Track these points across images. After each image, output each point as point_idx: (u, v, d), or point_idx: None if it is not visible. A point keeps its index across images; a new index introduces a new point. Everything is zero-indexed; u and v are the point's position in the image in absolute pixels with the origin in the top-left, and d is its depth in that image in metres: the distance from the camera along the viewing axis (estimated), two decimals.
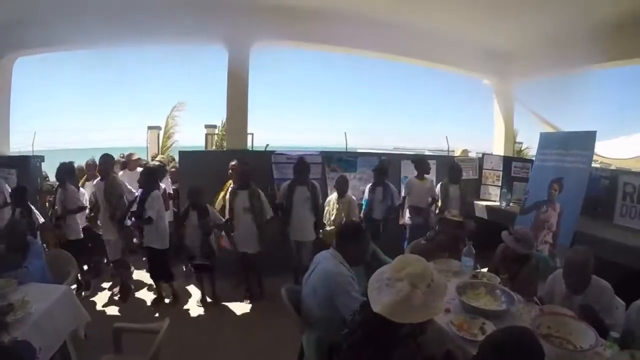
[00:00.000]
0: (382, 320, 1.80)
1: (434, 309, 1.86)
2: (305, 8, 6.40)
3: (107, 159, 5.56)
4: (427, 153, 9.27)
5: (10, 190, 5.98)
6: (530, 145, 11.08)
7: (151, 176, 5.43)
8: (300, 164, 5.59)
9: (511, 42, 7.41)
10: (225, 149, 8.83)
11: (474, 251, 3.46)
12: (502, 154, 8.24)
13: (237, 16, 6.34)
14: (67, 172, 5.73)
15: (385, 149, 10.27)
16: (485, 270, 3.64)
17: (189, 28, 6.39)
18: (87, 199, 5.88)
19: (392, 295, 1.82)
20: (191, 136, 12.42)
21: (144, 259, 6.16)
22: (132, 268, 6.17)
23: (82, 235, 5.73)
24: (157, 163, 6.50)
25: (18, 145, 7.98)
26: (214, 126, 10.70)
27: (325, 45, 7.37)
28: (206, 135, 10.69)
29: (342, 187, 5.80)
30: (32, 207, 5.61)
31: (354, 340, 2.01)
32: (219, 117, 10.61)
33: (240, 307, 5.33)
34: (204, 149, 9.97)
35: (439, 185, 6.34)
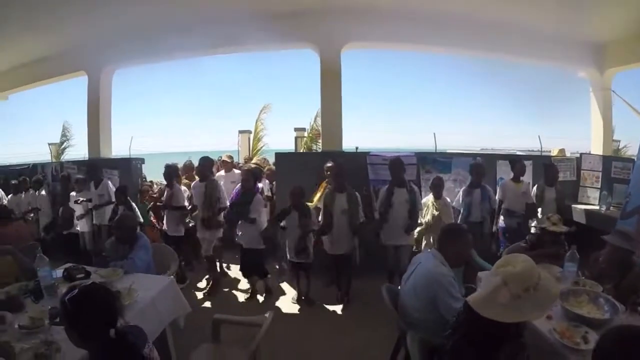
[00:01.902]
0: (481, 319, 1.82)
1: (525, 315, 1.84)
2: (394, 8, 6.50)
3: (205, 161, 5.88)
4: (518, 153, 8.91)
5: (114, 190, 6.62)
6: (628, 144, 10.37)
7: (254, 177, 5.69)
8: (396, 164, 5.48)
9: (606, 30, 7.03)
10: (315, 151, 9.11)
11: (578, 256, 3.34)
12: (600, 153, 7.76)
13: (329, 19, 6.55)
14: (174, 172, 6.16)
15: (473, 149, 9.96)
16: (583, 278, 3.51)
17: (281, 33, 6.65)
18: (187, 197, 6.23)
19: (483, 288, 1.87)
20: (280, 139, 12.81)
21: (236, 256, 6.46)
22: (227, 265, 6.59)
23: (182, 233, 6.14)
24: (254, 165, 6.84)
25: (116, 149, 8.77)
26: (303, 129, 10.98)
27: (412, 45, 7.42)
28: (296, 138, 11.03)
29: (438, 189, 5.76)
30: (133, 204, 6.16)
31: (455, 340, 2.03)
32: (306, 120, 10.93)
33: (333, 307, 5.42)
34: (293, 151, 10.29)
35: (534, 188, 6.10)
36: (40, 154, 10.81)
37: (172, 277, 3.90)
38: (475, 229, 5.65)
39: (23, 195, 7.82)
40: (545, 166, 6.27)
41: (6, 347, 2.01)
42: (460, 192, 6.05)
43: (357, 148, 7.32)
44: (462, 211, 5.92)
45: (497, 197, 6.07)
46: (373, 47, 7.69)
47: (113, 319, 1.83)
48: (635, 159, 5.83)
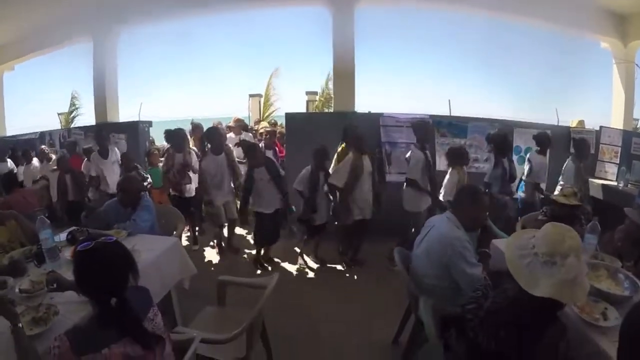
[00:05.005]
0: (535, 301, 1.68)
1: (588, 283, 1.78)
2: None
3: (217, 134, 5.64)
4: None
5: (120, 155, 6.65)
6: None
7: (252, 150, 5.24)
8: (423, 126, 5.30)
9: (632, 1, 6.77)
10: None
11: (599, 229, 3.09)
12: (620, 127, 7.48)
13: None
14: (184, 137, 6.02)
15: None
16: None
17: None
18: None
19: (560, 275, 1.66)
20: (292, 103, 12.68)
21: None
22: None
23: (194, 193, 6.02)
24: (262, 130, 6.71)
25: (126, 116, 8.64)
26: (315, 93, 10.91)
27: (429, 3, 7.27)
28: (307, 101, 10.97)
29: (464, 159, 5.44)
30: (141, 170, 6.24)
31: (496, 319, 1.86)
32: (318, 83, 10.83)
33: (343, 271, 5.35)
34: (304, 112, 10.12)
35: (568, 161, 5.80)
36: (50, 125, 10.70)
37: (177, 238, 3.82)
38: (499, 201, 5.44)
39: (32, 166, 7.87)
40: (578, 140, 6.08)
41: (10, 306, 1.91)
42: (490, 166, 5.71)
43: (369, 112, 7.15)
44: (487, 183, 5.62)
45: (525, 168, 5.84)
46: (386, 4, 7.46)
47: (119, 287, 1.64)
48: None
